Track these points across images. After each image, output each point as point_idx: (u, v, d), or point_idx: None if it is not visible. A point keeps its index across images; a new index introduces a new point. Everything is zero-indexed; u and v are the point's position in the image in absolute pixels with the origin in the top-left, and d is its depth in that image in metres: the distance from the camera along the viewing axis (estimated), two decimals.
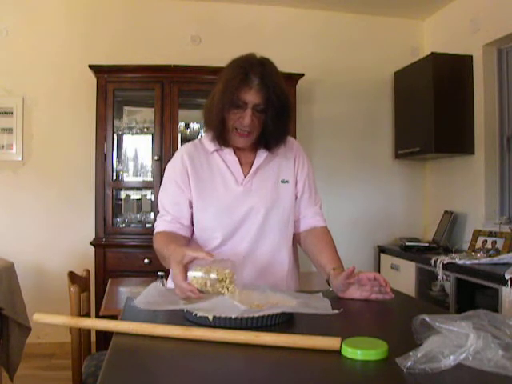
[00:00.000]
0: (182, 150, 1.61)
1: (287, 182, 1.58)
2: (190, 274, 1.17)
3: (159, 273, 2.16)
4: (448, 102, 3.59)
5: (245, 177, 1.55)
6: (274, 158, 1.59)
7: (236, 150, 1.57)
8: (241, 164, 1.56)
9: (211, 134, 1.53)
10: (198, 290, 1.15)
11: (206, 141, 1.59)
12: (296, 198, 1.61)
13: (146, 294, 1.17)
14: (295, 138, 3.55)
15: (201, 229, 1.55)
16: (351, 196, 4.11)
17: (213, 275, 1.14)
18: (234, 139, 1.50)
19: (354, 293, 1.37)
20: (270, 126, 1.48)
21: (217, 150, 1.57)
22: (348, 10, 4.05)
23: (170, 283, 1.63)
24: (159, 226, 1.56)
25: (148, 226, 3.52)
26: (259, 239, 1.52)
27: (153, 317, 1.10)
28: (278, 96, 1.44)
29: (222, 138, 1.52)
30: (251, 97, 1.42)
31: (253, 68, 1.43)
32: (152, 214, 3.61)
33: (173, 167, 1.59)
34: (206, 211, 1.53)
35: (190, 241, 1.58)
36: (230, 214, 1.51)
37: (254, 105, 1.44)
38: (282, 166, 1.60)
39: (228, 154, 1.56)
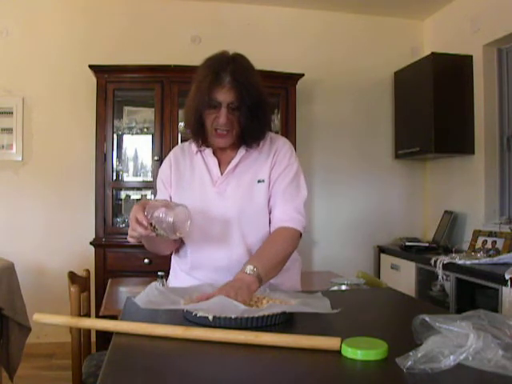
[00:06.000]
0: (171, 152, 1.65)
1: (263, 181, 1.53)
2: (151, 211, 1.27)
3: (159, 273, 2.16)
4: (448, 102, 3.59)
5: (221, 176, 1.53)
6: (252, 157, 1.55)
7: (216, 151, 1.56)
8: (220, 164, 1.55)
9: (191, 135, 1.55)
10: (152, 226, 1.26)
11: (193, 142, 1.60)
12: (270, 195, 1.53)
13: (147, 293, 1.18)
14: (295, 137, 3.57)
15: None
16: (351, 196, 4.11)
17: (170, 218, 1.24)
18: (214, 140, 1.49)
19: None
20: (246, 123, 1.45)
21: (200, 151, 1.57)
22: (348, 10, 4.05)
23: (170, 282, 1.63)
24: None
25: None
26: (236, 242, 1.49)
27: (153, 317, 1.10)
28: (249, 92, 1.42)
29: (201, 138, 1.52)
30: (224, 95, 1.42)
31: (223, 66, 1.43)
32: None
33: (161, 169, 1.64)
34: None
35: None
36: (202, 215, 1.47)
37: (228, 103, 1.42)
38: (260, 165, 1.54)
39: (208, 154, 1.56)
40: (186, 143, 1.65)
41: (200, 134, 1.51)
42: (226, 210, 1.49)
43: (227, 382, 0.82)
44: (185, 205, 1.30)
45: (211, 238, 1.50)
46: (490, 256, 3.03)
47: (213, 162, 1.55)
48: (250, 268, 1.30)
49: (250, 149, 1.54)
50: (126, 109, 3.72)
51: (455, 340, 0.82)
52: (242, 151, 1.54)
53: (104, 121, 3.43)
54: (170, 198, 1.56)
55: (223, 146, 1.51)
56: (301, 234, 1.51)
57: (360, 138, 4.14)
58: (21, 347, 2.68)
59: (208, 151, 1.56)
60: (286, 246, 1.46)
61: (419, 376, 0.77)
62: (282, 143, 1.59)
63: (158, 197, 1.60)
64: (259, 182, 1.53)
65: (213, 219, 1.50)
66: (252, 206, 1.51)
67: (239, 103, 1.42)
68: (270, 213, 1.53)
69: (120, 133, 3.66)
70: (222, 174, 1.53)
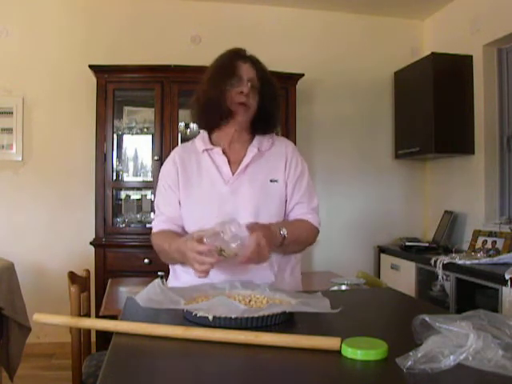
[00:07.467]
0: (174, 152, 1.65)
1: (276, 181, 1.56)
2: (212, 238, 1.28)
3: (159, 273, 2.17)
4: (448, 102, 3.59)
5: (233, 175, 1.54)
6: (263, 157, 1.58)
7: (225, 149, 1.57)
8: (230, 163, 1.56)
9: (205, 120, 1.59)
10: (219, 250, 1.26)
11: (197, 141, 1.62)
12: (286, 198, 1.58)
13: (148, 291, 1.17)
14: (295, 137, 3.57)
15: (189, 228, 1.54)
16: (351, 196, 4.11)
17: (226, 237, 1.26)
18: (236, 115, 1.52)
19: None
20: (264, 102, 1.54)
21: (207, 150, 1.58)
22: (348, 10, 4.05)
23: (170, 282, 1.63)
24: (156, 226, 1.60)
25: (148, 226, 3.51)
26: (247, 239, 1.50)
27: (153, 317, 1.10)
28: (268, 77, 1.56)
29: (224, 118, 1.54)
30: (246, 71, 1.52)
31: (243, 51, 1.57)
32: (152, 214, 3.60)
33: (165, 169, 1.63)
34: (193, 211, 1.53)
35: None
36: (215, 214, 1.48)
37: (249, 78, 1.51)
38: (272, 165, 1.58)
39: (217, 153, 1.57)
40: (188, 143, 1.66)
41: (224, 111, 1.52)
42: (241, 209, 1.50)
43: (227, 382, 0.82)
44: (233, 218, 1.33)
45: None
46: (490, 256, 3.03)
47: (222, 160, 1.56)
48: (284, 231, 1.42)
49: (262, 143, 1.58)
50: (126, 109, 3.72)
51: (455, 340, 0.82)
52: (253, 150, 1.57)
53: (104, 121, 3.43)
54: (179, 201, 1.55)
55: (244, 120, 1.54)
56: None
57: (360, 138, 4.14)
58: (21, 347, 2.68)
59: (217, 150, 1.57)
60: (310, 236, 1.58)
61: (419, 376, 0.77)
62: (292, 147, 1.65)
63: (162, 199, 1.59)
64: (272, 181, 1.56)
65: (225, 215, 1.48)
66: (267, 204, 1.53)
67: (260, 82, 1.52)
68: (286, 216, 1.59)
69: (120, 133, 3.66)
70: (232, 173, 1.54)
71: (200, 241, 1.29)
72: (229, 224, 1.28)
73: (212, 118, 1.56)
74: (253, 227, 1.34)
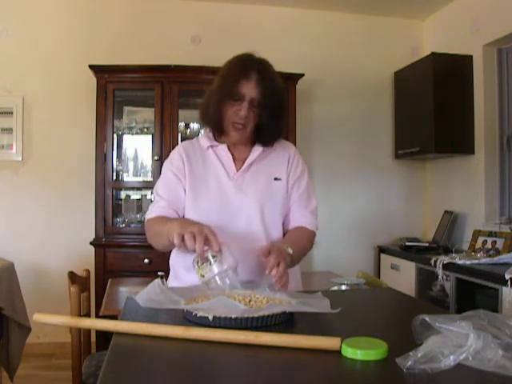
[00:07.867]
0: (179, 146, 1.67)
1: (280, 179, 1.59)
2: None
3: (159, 273, 2.16)
4: (448, 102, 3.60)
5: (237, 172, 1.56)
6: (267, 156, 1.61)
7: (230, 147, 1.59)
8: (235, 160, 1.58)
9: (208, 128, 1.59)
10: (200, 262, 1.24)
11: (202, 138, 1.63)
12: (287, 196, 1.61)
13: (148, 291, 1.17)
14: (295, 137, 3.58)
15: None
16: (351, 196, 4.11)
17: (217, 269, 1.23)
18: (229, 133, 1.54)
19: None
20: (266, 120, 1.52)
21: (211, 147, 1.59)
22: (348, 10, 4.06)
23: (170, 282, 1.63)
24: (152, 212, 1.55)
25: None
26: (250, 235, 1.51)
27: (153, 317, 1.10)
28: (274, 92, 1.50)
29: (218, 132, 1.57)
30: (249, 90, 1.47)
31: (252, 63, 1.50)
32: None
33: (170, 160, 1.63)
34: (198, 205, 1.54)
35: None
36: (220, 209, 1.51)
37: (251, 99, 1.48)
38: (275, 164, 1.61)
39: (222, 150, 1.59)
40: (192, 140, 1.68)
41: (218, 127, 1.55)
42: (246, 205, 1.52)
43: (227, 382, 0.82)
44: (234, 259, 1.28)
45: (234, 233, 1.49)
46: (490, 256, 3.03)
47: (227, 157, 1.58)
48: (290, 250, 1.40)
49: (266, 148, 1.59)
50: (126, 109, 3.73)
51: (455, 340, 0.82)
52: (258, 149, 1.58)
53: (104, 121, 3.43)
54: (185, 190, 1.56)
55: (236, 140, 1.55)
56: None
57: (360, 138, 4.14)
58: (21, 347, 2.68)
59: (222, 147, 1.59)
60: (309, 245, 1.59)
61: (419, 376, 0.77)
62: (294, 150, 1.67)
63: (164, 185, 1.58)
64: (276, 179, 1.58)
65: (234, 213, 1.51)
66: (271, 202, 1.55)
67: (263, 101, 1.48)
68: (285, 216, 1.59)
69: (120, 133, 3.66)
70: (237, 169, 1.56)
71: (216, 239, 1.25)
72: (233, 271, 1.25)
73: (210, 127, 1.59)
74: (269, 249, 1.31)
